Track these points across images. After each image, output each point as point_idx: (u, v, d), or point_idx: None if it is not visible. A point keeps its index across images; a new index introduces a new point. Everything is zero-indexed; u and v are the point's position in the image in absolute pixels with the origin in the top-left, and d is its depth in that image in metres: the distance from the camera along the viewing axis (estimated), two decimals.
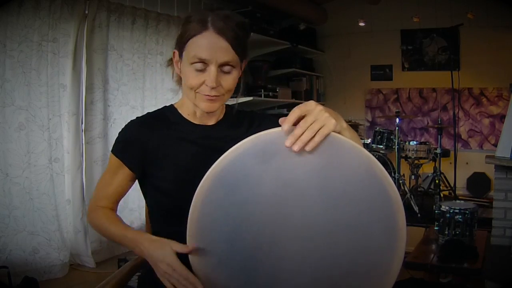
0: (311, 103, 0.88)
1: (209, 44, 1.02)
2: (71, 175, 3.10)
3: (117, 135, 1.16)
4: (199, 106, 1.09)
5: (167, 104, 1.23)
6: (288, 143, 0.84)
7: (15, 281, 2.62)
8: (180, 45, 1.08)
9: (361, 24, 4.94)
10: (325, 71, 5.46)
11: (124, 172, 1.14)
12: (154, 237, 1.00)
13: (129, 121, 1.16)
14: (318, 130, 0.84)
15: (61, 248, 2.94)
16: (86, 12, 3.11)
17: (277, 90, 4.48)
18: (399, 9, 4.91)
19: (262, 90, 4.29)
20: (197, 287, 0.90)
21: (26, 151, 2.82)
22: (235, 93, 1.16)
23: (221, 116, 1.20)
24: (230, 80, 1.07)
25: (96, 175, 3.27)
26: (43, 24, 2.84)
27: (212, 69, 1.03)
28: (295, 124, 0.86)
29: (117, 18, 3.31)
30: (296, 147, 0.83)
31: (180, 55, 1.09)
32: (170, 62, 1.18)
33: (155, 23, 3.60)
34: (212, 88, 1.04)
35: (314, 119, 0.85)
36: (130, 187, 1.18)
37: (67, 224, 3.09)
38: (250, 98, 4.04)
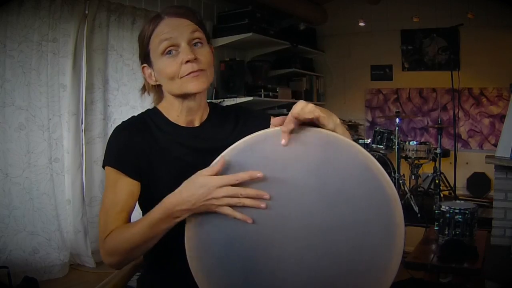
0: (301, 103, 0.89)
1: (171, 26, 1.04)
2: (71, 175, 3.10)
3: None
4: (188, 90, 1.05)
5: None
6: (283, 141, 0.87)
7: (15, 281, 2.62)
8: (145, 54, 1.09)
9: (361, 24, 4.94)
10: (325, 71, 5.46)
11: (126, 181, 1.05)
12: (176, 190, 0.92)
13: (115, 128, 1.11)
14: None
15: (61, 248, 2.94)
16: (86, 12, 3.11)
17: (277, 90, 4.48)
18: (399, 9, 4.91)
19: (262, 90, 4.29)
20: (264, 195, 0.86)
21: (26, 151, 2.82)
22: (217, 90, 1.16)
23: (205, 115, 1.16)
24: (205, 53, 1.06)
25: (96, 175, 3.27)
26: (43, 24, 2.85)
27: (183, 45, 1.03)
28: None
29: (117, 18, 3.31)
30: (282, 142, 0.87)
31: (150, 64, 1.10)
32: (144, 88, 1.19)
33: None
34: (192, 61, 1.02)
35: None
36: (137, 200, 1.08)
37: (67, 224, 3.09)
38: (250, 98, 4.04)
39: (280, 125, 0.90)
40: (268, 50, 4.77)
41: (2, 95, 2.72)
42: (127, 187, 1.05)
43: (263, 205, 0.87)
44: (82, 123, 3.18)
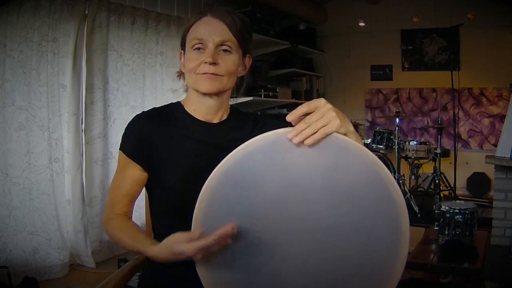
0: (321, 101, 0.88)
1: (206, 26, 1.09)
2: (71, 175, 3.10)
3: (119, 133, 1.16)
4: (199, 88, 1.10)
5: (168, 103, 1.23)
6: (290, 135, 0.85)
7: (15, 281, 2.62)
8: (183, 41, 1.14)
9: (361, 24, 4.94)
10: (325, 71, 5.46)
11: (134, 168, 1.12)
12: (156, 245, 0.96)
13: (135, 115, 1.17)
14: (320, 128, 0.85)
15: (61, 248, 2.94)
16: (86, 12, 3.11)
17: (277, 90, 4.48)
18: (399, 9, 4.91)
19: (262, 90, 4.29)
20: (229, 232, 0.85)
21: (26, 151, 2.82)
22: (237, 91, 1.18)
23: (225, 116, 1.20)
24: (229, 61, 1.10)
25: (96, 175, 3.27)
26: (43, 24, 2.84)
27: (210, 46, 1.08)
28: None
29: (117, 18, 3.31)
30: (296, 139, 0.85)
31: (184, 52, 1.14)
32: (180, 72, 1.23)
33: (155, 23, 3.60)
34: (210, 64, 1.07)
35: (320, 116, 0.86)
36: (143, 186, 1.16)
37: (67, 224, 3.09)
38: (250, 98, 4.04)
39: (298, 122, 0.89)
40: (268, 50, 4.76)
41: (2, 95, 2.72)
42: (133, 174, 1.12)
43: (229, 241, 0.85)
44: (82, 123, 3.17)
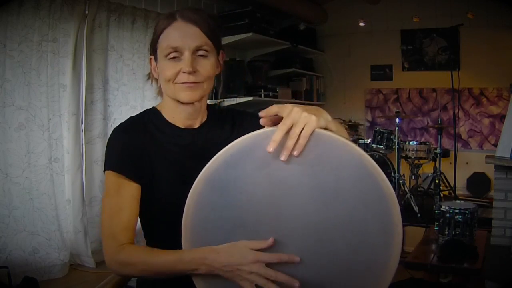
0: (287, 106, 0.88)
1: (179, 32, 1.04)
2: (71, 175, 3.10)
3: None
4: (179, 98, 1.06)
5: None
6: (270, 148, 0.84)
7: (15, 281, 2.62)
8: (153, 47, 1.09)
9: (361, 24, 4.94)
10: (325, 71, 5.46)
11: (129, 187, 1.04)
12: (216, 247, 0.89)
13: (112, 130, 1.10)
14: (300, 133, 0.84)
15: (61, 248, 2.94)
16: (86, 12, 3.11)
17: (277, 90, 4.48)
18: (399, 9, 4.91)
19: (262, 90, 4.29)
20: (294, 284, 0.85)
21: (26, 151, 2.82)
22: (216, 93, 1.16)
23: (205, 118, 1.17)
24: (207, 66, 1.06)
25: (96, 175, 3.27)
26: (43, 24, 2.85)
27: (186, 54, 1.03)
28: (275, 124, 0.87)
29: (117, 18, 3.31)
30: (283, 157, 0.84)
31: (156, 58, 1.10)
32: (149, 75, 1.18)
33: (155, 23, 3.59)
34: (189, 73, 1.03)
35: (292, 121, 0.85)
36: (139, 204, 1.08)
37: (67, 224, 3.09)
38: (250, 98, 4.03)
39: (272, 125, 0.89)
40: (268, 50, 4.76)
41: (2, 95, 2.72)
42: (130, 191, 1.05)
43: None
44: (82, 123, 3.18)
